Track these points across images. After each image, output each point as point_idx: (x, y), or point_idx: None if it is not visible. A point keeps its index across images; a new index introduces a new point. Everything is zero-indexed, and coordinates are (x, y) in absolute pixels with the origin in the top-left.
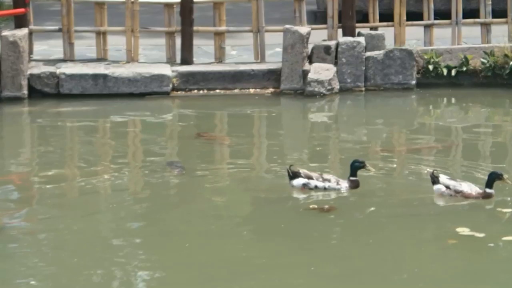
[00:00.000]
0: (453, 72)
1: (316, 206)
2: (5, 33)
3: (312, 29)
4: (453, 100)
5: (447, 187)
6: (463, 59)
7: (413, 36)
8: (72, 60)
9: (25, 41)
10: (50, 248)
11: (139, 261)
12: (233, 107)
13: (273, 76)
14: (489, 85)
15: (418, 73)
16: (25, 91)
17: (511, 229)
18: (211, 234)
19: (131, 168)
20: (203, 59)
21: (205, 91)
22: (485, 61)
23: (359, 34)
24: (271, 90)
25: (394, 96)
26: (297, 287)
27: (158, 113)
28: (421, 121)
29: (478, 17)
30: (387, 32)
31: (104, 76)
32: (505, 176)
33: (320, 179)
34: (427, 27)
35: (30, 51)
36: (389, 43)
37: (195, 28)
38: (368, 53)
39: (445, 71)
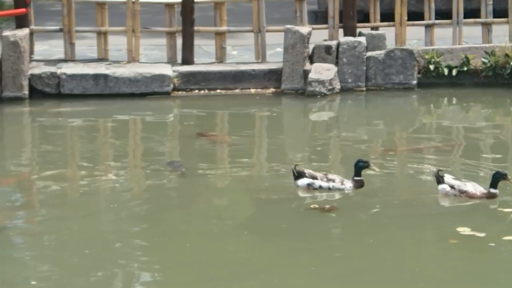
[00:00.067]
0: (454, 72)
1: (317, 206)
2: (6, 33)
3: (313, 29)
4: (454, 100)
5: (452, 187)
6: (464, 59)
7: (414, 36)
8: (73, 60)
9: (26, 41)
10: (50, 248)
11: (140, 262)
12: (234, 107)
13: (274, 76)
14: (490, 85)
15: (419, 73)
16: (26, 91)
17: None
18: (212, 234)
19: (132, 168)
20: (204, 59)
21: (206, 91)
22: (486, 61)
23: (360, 34)
24: (272, 90)
25: (395, 96)
26: (298, 287)
27: (159, 113)
28: (422, 121)
29: (479, 17)
30: (388, 32)
31: (105, 76)
32: (510, 176)
33: (325, 179)
34: (428, 27)
35: (31, 51)
36: (390, 43)
37: (196, 28)
38: (369, 53)
39: (446, 71)
